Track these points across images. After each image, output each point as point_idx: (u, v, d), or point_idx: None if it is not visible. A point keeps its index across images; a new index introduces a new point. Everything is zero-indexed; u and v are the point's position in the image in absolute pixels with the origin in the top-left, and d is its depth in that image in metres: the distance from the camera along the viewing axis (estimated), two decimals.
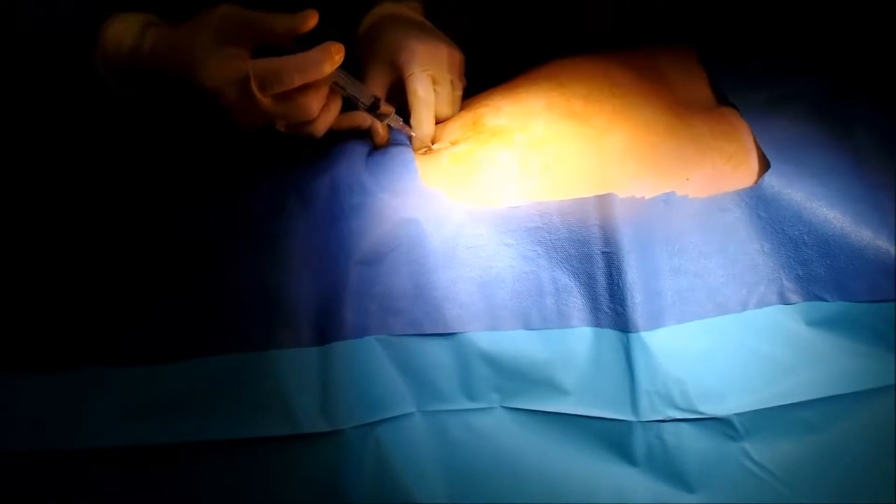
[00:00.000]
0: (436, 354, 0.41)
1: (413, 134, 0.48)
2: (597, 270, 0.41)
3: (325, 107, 0.45)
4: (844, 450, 0.38)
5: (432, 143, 0.49)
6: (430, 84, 0.48)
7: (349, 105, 0.47)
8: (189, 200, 0.48)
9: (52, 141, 0.52)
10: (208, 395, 0.40)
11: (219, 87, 0.41)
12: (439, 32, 0.52)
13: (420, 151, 0.48)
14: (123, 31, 0.44)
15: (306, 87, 0.42)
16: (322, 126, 0.45)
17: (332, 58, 0.41)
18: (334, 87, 0.45)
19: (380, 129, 0.49)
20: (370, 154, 0.49)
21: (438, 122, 0.49)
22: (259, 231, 0.45)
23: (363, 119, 0.50)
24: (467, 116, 0.49)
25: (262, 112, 0.42)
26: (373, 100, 0.46)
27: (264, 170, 0.49)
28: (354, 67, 0.50)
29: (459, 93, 0.51)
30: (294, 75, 0.41)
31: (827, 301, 0.39)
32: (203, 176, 0.50)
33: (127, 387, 0.41)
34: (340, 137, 0.50)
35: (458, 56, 0.51)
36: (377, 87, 0.50)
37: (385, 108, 0.47)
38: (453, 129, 0.49)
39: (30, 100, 0.50)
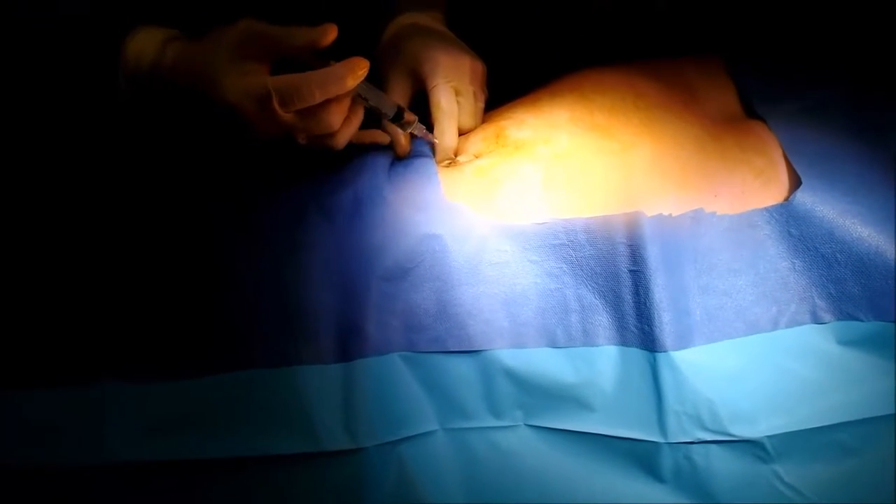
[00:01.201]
0: (459, 372, 0.40)
1: (436, 141, 0.48)
2: (623, 289, 0.40)
3: (347, 119, 0.45)
4: (879, 473, 0.37)
5: (456, 155, 0.49)
6: (453, 95, 0.48)
7: (371, 114, 0.47)
8: (210, 212, 0.48)
9: (72, 154, 0.53)
10: (230, 411, 0.41)
11: (238, 102, 0.41)
12: (461, 43, 0.52)
13: (443, 164, 0.48)
14: (145, 44, 0.45)
15: (328, 101, 0.42)
16: (343, 139, 0.46)
17: (355, 73, 0.41)
18: (356, 99, 0.45)
19: (402, 140, 0.49)
20: (392, 166, 0.49)
21: (461, 133, 0.49)
22: (280, 244, 0.45)
23: (383, 136, 0.50)
24: (490, 129, 0.49)
25: (283, 126, 0.42)
26: (396, 110, 0.46)
27: (285, 180, 0.49)
28: (375, 77, 0.50)
29: (482, 104, 0.51)
30: (315, 92, 0.41)
31: (861, 321, 0.38)
32: (223, 187, 0.50)
33: (147, 402, 0.41)
34: (362, 148, 0.50)
35: (480, 67, 0.51)
36: (399, 96, 0.50)
37: (409, 116, 0.47)
38: (476, 141, 0.49)
39: (48, 111, 0.51)
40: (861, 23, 0.54)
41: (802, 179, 0.41)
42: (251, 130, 0.44)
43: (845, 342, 0.38)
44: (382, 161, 0.49)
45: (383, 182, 0.47)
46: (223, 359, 0.42)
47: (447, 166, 0.48)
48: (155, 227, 0.47)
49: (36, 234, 0.48)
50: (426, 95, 0.49)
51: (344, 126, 0.45)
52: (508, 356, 0.40)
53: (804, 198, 0.40)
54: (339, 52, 0.44)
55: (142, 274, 0.45)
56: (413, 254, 0.42)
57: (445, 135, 0.48)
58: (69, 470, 0.40)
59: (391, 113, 0.46)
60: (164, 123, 0.50)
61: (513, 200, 0.44)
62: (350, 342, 0.41)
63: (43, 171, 0.52)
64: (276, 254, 0.45)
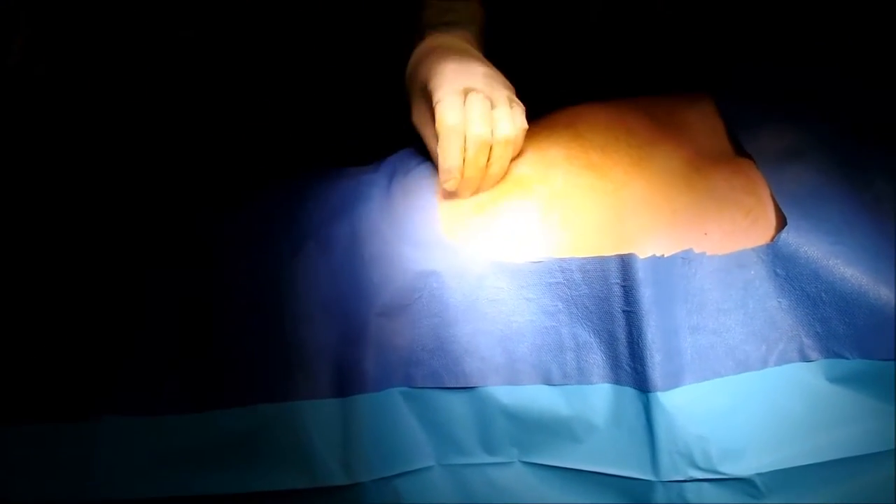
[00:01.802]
0: (456, 408, 0.41)
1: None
2: (617, 328, 0.41)
3: None
4: None
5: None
6: (458, 107, 0.43)
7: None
8: (209, 245, 0.49)
9: (67, 181, 0.53)
10: (228, 447, 0.41)
11: None
12: (482, 59, 0.49)
13: (447, 184, 0.45)
14: None
15: None
16: None
17: None
18: None
19: None
20: (391, 193, 0.49)
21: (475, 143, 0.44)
22: (279, 278, 0.46)
23: None
24: None
25: None
26: None
27: (282, 211, 0.50)
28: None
29: (509, 110, 0.45)
30: None
31: (847, 358, 0.39)
32: (223, 218, 0.51)
33: (143, 437, 0.41)
34: (357, 174, 0.51)
35: (499, 78, 0.47)
36: (426, 125, 0.47)
37: None
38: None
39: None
40: (847, 66, 0.55)
41: (788, 220, 0.42)
42: None
43: (833, 379, 0.39)
44: (379, 191, 0.49)
45: (380, 215, 0.48)
46: (221, 395, 0.42)
47: (449, 197, 0.48)
48: (152, 262, 0.48)
49: (35, 269, 0.48)
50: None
51: None
52: (504, 393, 0.41)
53: (789, 238, 0.41)
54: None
55: (140, 310, 0.46)
56: (411, 290, 0.43)
57: (446, 153, 0.43)
58: None
59: None
60: None
61: (510, 238, 0.45)
62: (348, 378, 0.42)
63: (41, 203, 0.53)
64: (276, 287, 0.46)
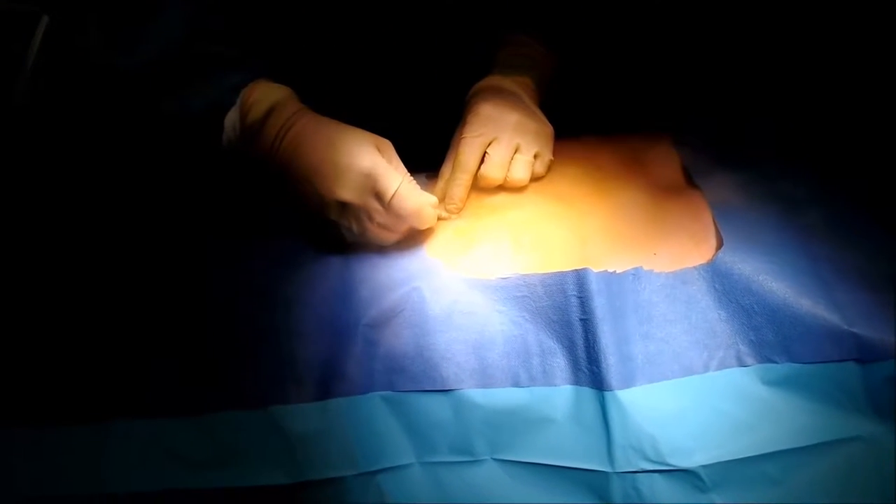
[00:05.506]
0: (433, 409, 0.45)
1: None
2: (576, 335, 0.46)
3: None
4: (802, 499, 0.42)
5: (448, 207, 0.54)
6: (476, 149, 0.52)
7: None
8: (215, 262, 0.53)
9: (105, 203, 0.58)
10: (225, 445, 0.45)
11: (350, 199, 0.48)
12: (531, 107, 0.55)
13: (449, 208, 0.53)
14: (262, 96, 0.49)
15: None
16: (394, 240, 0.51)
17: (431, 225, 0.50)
18: None
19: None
20: None
21: (486, 185, 0.53)
22: (277, 296, 0.50)
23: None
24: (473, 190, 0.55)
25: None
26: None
27: (284, 235, 0.54)
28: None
29: (529, 158, 0.53)
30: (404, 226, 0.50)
31: (778, 363, 0.44)
32: (227, 239, 0.55)
33: (150, 438, 0.45)
34: None
35: (532, 126, 0.53)
36: (455, 138, 0.54)
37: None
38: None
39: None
40: (798, 104, 0.62)
41: (724, 242, 0.47)
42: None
43: (767, 382, 0.44)
44: None
45: None
46: (219, 399, 0.46)
47: (444, 218, 0.53)
48: (161, 271, 0.52)
49: (49, 281, 0.52)
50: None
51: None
52: (477, 395, 0.45)
53: (725, 257, 0.47)
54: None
55: (146, 324, 0.50)
56: (395, 305, 0.48)
57: (453, 186, 0.52)
58: (75, 499, 0.43)
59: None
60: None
61: (484, 259, 0.50)
62: (336, 383, 0.46)
63: (58, 217, 0.57)
64: (272, 305, 0.50)
